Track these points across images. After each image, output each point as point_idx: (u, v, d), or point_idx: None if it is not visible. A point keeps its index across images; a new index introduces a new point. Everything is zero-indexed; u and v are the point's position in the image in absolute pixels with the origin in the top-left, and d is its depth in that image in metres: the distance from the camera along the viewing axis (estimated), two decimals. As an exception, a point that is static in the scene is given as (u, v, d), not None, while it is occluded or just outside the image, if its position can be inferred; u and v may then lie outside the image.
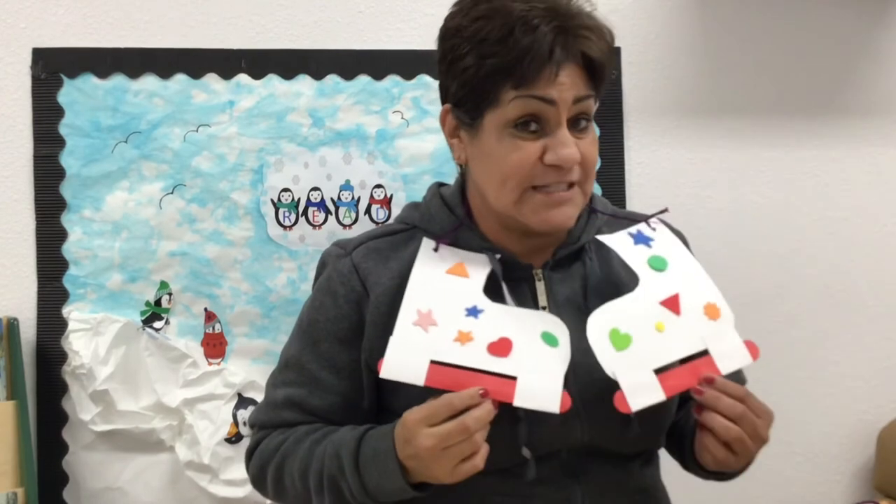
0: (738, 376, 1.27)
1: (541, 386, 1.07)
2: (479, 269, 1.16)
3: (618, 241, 1.19)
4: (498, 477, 1.11)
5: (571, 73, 1.09)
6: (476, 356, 1.08)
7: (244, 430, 1.91)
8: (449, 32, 1.14)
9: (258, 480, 1.24)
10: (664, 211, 1.27)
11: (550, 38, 1.07)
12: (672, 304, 1.15)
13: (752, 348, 1.16)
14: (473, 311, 1.12)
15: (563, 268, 1.21)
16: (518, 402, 1.05)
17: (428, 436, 1.02)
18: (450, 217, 1.21)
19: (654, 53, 2.05)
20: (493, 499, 1.13)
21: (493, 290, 1.15)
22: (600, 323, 1.12)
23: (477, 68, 1.09)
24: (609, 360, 1.09)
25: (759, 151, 2.08)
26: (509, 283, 1.16)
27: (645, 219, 1.26)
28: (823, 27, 2.09)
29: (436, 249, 1.18)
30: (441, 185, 1.28)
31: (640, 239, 1.20)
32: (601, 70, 1.12)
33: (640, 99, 2.04)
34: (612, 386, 1.10)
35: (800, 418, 2.08)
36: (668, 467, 1.30)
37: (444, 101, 1.19)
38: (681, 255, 1.22)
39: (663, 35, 2.06)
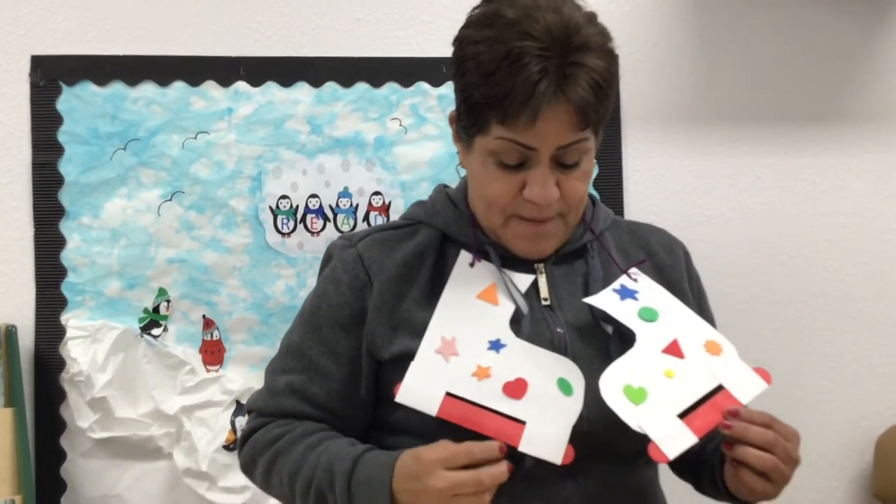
0: None
1: (548, 436, 1.08)
2: (509, 297, 1.17)
3: (605, 300, 1.19)
4: None
5: (556, 115, 1.07)
6: (491, 395, 1.10)
7: (242, 438, 1.91)
8: (459, 41, 1.15)
9: (248, 468, 1.25)
10: (643, 262, 1.27)
11: (534, 80, 1.05)
12: (674, 349, 1.16)
13: (764, 374, 1.17)
14: (496, 346, 1.14)
15: (566, 264, 1.23)
16: (523, 447, 1.07)
17: (442, 478, 1.02)
18: (454, 213, 1.24)
19: (652, 60, 2.06)
20: (491, 498, 1.13)
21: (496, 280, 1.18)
22: (612, 382, 1.11)
23: (470, 93, 1.11)
24: (632, 416, 1.09)
25: (757, 158, 2.09)
26: (513, 277, 1.19)
27: (628, 269, 1.25)
28: (820, 34, 2.09)
29: (472, 265, 1.19)
30: (446, 186, 1.30)
31: (626, 293, 1.21)
32: (589, 114, 1.08)
33: (637, 106, 2.04)
34: None
35: (797, 424, 2.04)
36: (668, 471, 1.30)
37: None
38: (667, 301, 1.22)
39: (661, 42, 2.06)
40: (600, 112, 1.10)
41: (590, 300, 1.18)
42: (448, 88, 1.98)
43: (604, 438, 1.13)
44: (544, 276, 1.21)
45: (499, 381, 1.10)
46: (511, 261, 1.20)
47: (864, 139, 2.11)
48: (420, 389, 1.10)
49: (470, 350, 1.13)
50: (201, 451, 1.88)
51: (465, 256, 1.21)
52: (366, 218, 1.97)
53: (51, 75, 1.90)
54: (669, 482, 1.30)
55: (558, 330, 1.17)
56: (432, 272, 1.21)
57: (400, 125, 1.98)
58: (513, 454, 1.09)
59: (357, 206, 1.97)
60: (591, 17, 1.12)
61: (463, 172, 1.25)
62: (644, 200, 2.05)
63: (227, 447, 1.90)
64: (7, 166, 1.90)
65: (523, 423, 1.08)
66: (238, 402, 1.91)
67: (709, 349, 1.17)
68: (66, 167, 1.90)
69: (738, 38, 2.07)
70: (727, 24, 2.07)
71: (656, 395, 1.10)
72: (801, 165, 2.10)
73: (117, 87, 1.92)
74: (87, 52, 1.92)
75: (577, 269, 1.23)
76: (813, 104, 2.10)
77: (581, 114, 1.08)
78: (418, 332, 1.15)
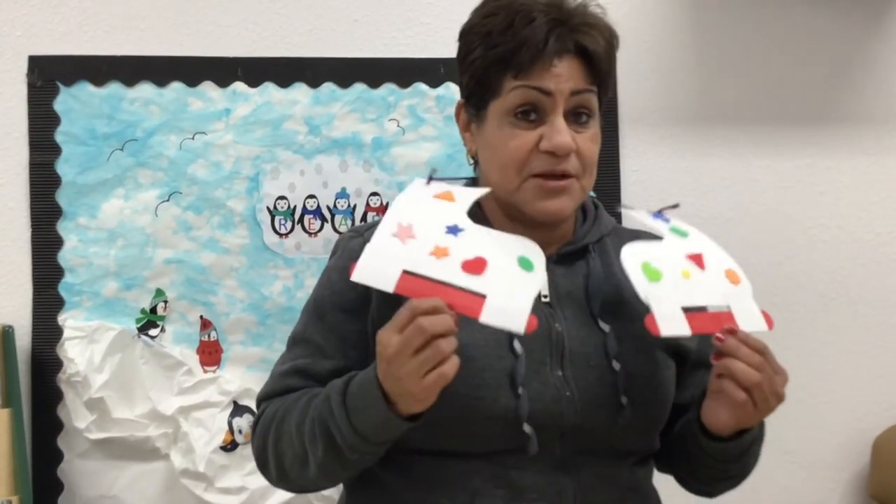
0: None
1: (509, 306, 1.05)
2: (467, 196, 1.16)
3: (638, 216, 1.22)
4: (496, 465, 1.12)
5: (569, 65, 1.14)
6: (449, 271, 1.07)
7: (239, 438, 1.90)
8: (464, 31, 1.20)
9: (260, 451, 1.20)
10: (676, 206, 1.28)
11: (546, 29, 1.12)
12: (697, 259, 1.18)
13: (768, 318, 1.19)
14: (454, 230, 1.12)
15: (567, 263, 1.23)
16: (484, 318, 1.04)
17: (394, 342, 1.01)
18: None
19: (649, 62, 2.06)
20: (486, 490, 1.13)
21: None
22: (635, 254, 1.14)
23: (483, 59, 1.15)
24: (643, 287, 1.10)
25: (754, 159, 2.09)
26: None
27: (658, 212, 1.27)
28: (818, 36, 2.09)
29: (427, 183, 1.17)
30: None
31: (659, 216, 1.24)
32: (599, 63, 1.15)
33: (634, 107, 2.04)
34: (605, 376, 1.15)
35: (795, 426, 2.08)
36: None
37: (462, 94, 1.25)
38: (699, 233, 1.25)
39: (658, 43, 2.06)
40: (606, 69, 1.16)
41: (626, 210, 1.24)
42: (446, 89, 1.98)
43: (597, 434, 1.14)
44: (545, 272, 1.21)
45: (457, 260, 1.08)
46: None
47: (862, 141, 2.12)
48: (376, 268, 1.07)
49: (427, 233, 1.10)
50: (198, 451, 1.88)
51: (419, 180, 1.19)
52: (363, 219, 1.96)
53: (48, 75, 1.90)
54: (665, 482, 1.30)
55: (556, 326, 1.17)
56: None
57: (398, 126, 1.98)
58: (516, 445, 1.09)
59: (355, 206, 1.97)
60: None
61: (469, 163, 1.27)
62: (641, 202, 2.03)
63: (224, 448, 1.90)
64: (4, 166, 1.90)
65: (484, 296, 1.06)
66: (235, 403, 1.91)
67: (728, 276, 1.19)
68: (63, 167, 1.90)
69: (735, 40, 2.08)
70: (725, 26, 2.07)
71: (670, 281, 1.12)
72: (798, 167, 2.10)
73: (115, 88, 1.92)
74: (84, 53, 1.92)
75: (578, 270, 1.24)
76: (811, 106, 2.10)
77: (591, 64, 1.14)
78: None
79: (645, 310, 1.09)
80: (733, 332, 1.11)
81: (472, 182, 1.26)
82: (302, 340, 1.23)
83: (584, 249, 1.25)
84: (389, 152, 1.98)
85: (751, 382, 1.09)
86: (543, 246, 1.21)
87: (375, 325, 1.17)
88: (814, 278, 2.10)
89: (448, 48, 1.88)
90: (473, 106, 1.20)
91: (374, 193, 1.97)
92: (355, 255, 1.20)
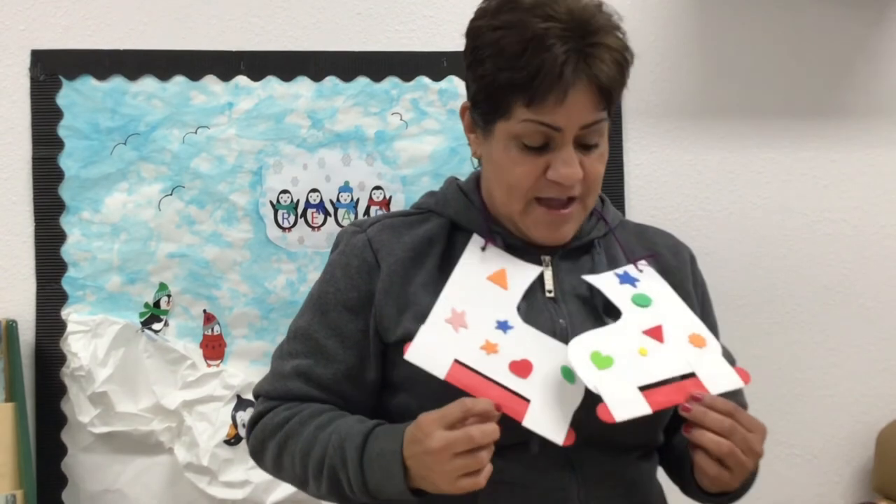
0: (738, 400, 1.29)
1: (551, 417, 1.09)
2: (518, 280, 1.19)
3: (603, 281, 1.21)
4: (499, 461, 1.12)
5: (583, 94, 1.10)
6: (498, 369, 1.10)
7: (243, 432, 1.90)
8: (472, 32, 1.17)
9: (257, 453, 1.24)
10: (652, 255, 1.28)
11: (562, 61, 1.08)
12: (655, 333, 1.17)
13: (743, 374, 1.17)
14: (504, 326, 1.15)
15: (572, 259, 1.24)
16: (526, 423, 1.08)
17: (437, 438, 1.02)
18: (465, 202, 1.25)
19: (653, 56, 2.05)
20: (490, 486, 1.13)
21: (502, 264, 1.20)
22: (581, 346, 1.12)
23: (493, 78, 1.12)
24: (591, 376, 1.09)
25: (758, 153, 2.09)
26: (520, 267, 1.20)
27: (636, 261, 1.27)
28: (821, 29, 2.09)
29: (483, 248, 1.21)
30: (457, 178, 1.32)
31: (626, 279, 1.22)
32: (612, 92, 1.13)
33: (638, 101, 2.04)
34: None
35: (799, 419, 2.08)
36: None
37: (468, 95, 1.23)
38: (665, 294, 1.23)
39: (662, 37, 2.06)
40: (620, 91, 1.15)
41: (589, 278, 1.20)
42: (448, 83, 1.98)
43: (601, 429, 1.14)
44: (550, 268, 1.22)
45: (506, 358, 1.11)
46: (519, 249, 1.22)
47: (866, 134, 2.11)
48: (430, 351, 1.10)
49: (479, 325, 1.14)
50: (202, 445, 1.88)
51: (477, 240, 1.22)
52: (366, 213, 1.96)
53: (51, 70, 1.90)
54: (667, 483, 1.30)
55: (560, 321, 1.17)
56: (440, 260, 1.22)
57: (400, 119, 1.98)
58: (519, 440, 1.10)
59: (358, 200, 1.97)
60: (601, 4, 1.16)
61: (474, 165, 1.27)
62: (645, 195, 2.04)
63: (227, 442, 1.90)
64: (7, 161, 1.90)
65: (528, 400, 1.09)
66: (239, 397, 1.91)
67: (692, 341, 1.18)
68: (66, 162, 1.90)
69: (739, 34, 2.07)
70: (728, 20, 2.07)
71: (622, 365, 1.11)
72: (802, 160, 2.10)
73: (118, 82, 1.91)
74: (87, 47, 1.92)
75: (583, 265, 1.24)
76: (814, 99, 2.10)
77: (603, 93, 1.11)
78: (424, 316, 1.16)
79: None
80: (699, 399, 1.09)
81: (476, 178, 1.27)
82: (304, 336, 1.23)
83: (589, 245, 1.25)
84: (392, 146, 1.97)
85: (721, 453, 1.08)
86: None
87: (378, 320, 1.19)
88: (817, 271, 2.10)
89: (451, 41, 1.88)
90: (481, 117, 1.18)
91: (377, 187, 1.97)
92: (358, 251, 1.21)
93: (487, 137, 1.18)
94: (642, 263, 1.26)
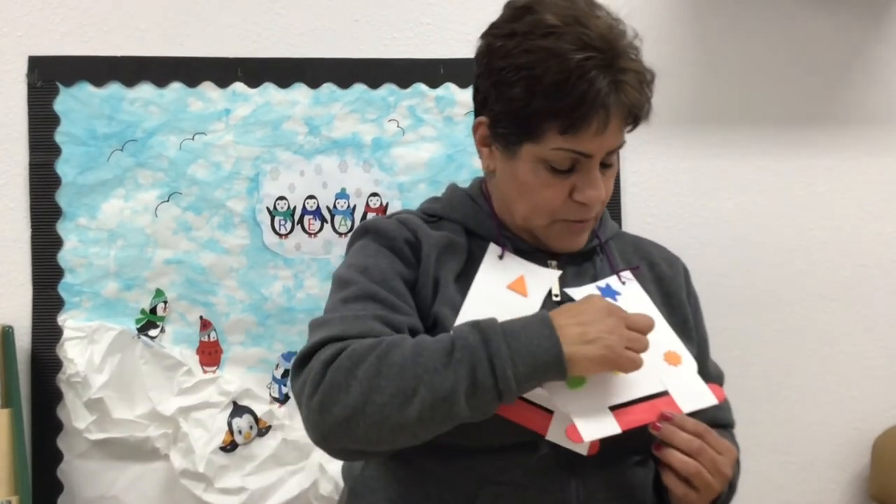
0: (725, 418, 1.30)
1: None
2: (536, 286, 1.20)
3: (585, 293, 1.22)
4: (501, 462, 1.12)
5: (616, 123, 1.14)
6: None
7: (239, 439, 1.90)
8: (497, 53, 1.16)
9: (333, 389, 1.05)
10: (636, 268, 1.30)
11: (605, 93, 1.10)
12: None
13: (717, 391, 1.17)
14: None
15: (576, 264, 1.26)
16: (550, 436, 1.09)
17: (611, 305, 1.08)
18: (473, 207, 1.27)
19: (649, 62, 2.05)
20: (490, 488, 1.14)
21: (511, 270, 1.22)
22: None
23: (525, 103, 1.12)
24: (561, 398, 1.09)
25: (754, 160, 2.09)
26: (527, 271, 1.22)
27: (616, 271, 1.28)
28: (818, 36, 2.09)
29: (501, 257, 1.22)
30: (457, 185, 1.33)
31: (608, 293, 1.23)
32: (637, 118, 1.17)
33: (635, 108, 2.04)
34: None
35: (795, 426, 2.08)
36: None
37: (477, 107, 1.23)
38: (645, 310, 1.23)
39: (658, 43, 2.06)
40: (641, 121, 1.18)
41: (570, 290, 1.22)
42: (445, 90, 1.98)
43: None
44: (559, 272, 1.25)
45: None
46: (528, 253, 1.24)
47: (862, 141, 2.12)
48: None
49: None
50: (198, 452, 1.88)
51: (494, 249, 1.23)
52: (363, 219, 1.96)
53: (48, 76, 1.90)
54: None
55: None
56: (463, 261, 1.23)
57: (398, 126, 1.98)
58: (521, 440, 1.11)
59: (354, 207, 1.97)
60: (619, 20, 1.20)
61: (483, 175, 1.29)
62: (641, 202, 2.05)
63: (223, 448, 1.90)
64: (4, 167, 1.90)
65: (551, 413, 1.10)
66: (235, 404, 1.91)
67: (667, 359, 1.19)
68: (63, 168, 1.90)
69: (735, 41, 2.07)
70: (724, 27, 2.07)
71: (594, 385, 1.11)
72: (798, 167, 2.10)
73: (115, 88, 1.92)
74: (84, 53, 1.92)
75: (586, 270, 1.27)
76: (810, 106, 2.10)
77: (632, 116, 1.15)
78: (452, 306, 1.17)
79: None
80: (669, 418, 1.10)
81: (480, 185, 1.29)
82: (365, 296, 1.14)
83: (591, 251, 1.29)
84: (389, 153, 1.98)
85: (688, 472, 1.09)
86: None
87: (417, 299, 1.19)
88: (813, 279, 2.10)
89: (448, 49, 1.88)
90: (502, 136, 1.18)
91: (374, 194, 1.97)
92: (396, 230, 1.22)
93: (510, 157, 1.19)
94: (626, 275, 1.27)
